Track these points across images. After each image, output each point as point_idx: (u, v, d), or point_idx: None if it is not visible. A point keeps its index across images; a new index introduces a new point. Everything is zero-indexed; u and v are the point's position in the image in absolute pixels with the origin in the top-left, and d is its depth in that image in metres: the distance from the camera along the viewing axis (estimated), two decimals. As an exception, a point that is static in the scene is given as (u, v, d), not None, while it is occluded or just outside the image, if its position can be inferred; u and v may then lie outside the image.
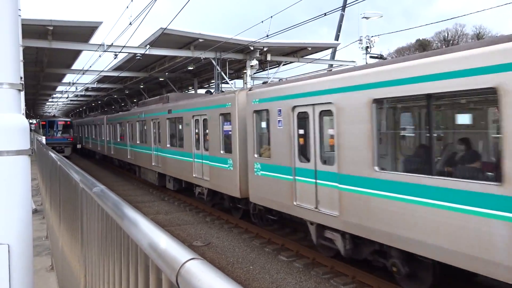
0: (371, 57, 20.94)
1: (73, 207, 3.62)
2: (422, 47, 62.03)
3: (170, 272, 1.17)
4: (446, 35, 67.86)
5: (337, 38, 41.26)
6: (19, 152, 2.41)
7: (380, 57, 21.16)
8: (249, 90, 11.64)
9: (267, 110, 10.68)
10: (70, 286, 3.90)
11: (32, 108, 66.77)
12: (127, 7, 16.62)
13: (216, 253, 10.56)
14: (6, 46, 2.50)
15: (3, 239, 2.36)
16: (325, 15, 14.01)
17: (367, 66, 7.96)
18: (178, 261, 1.14)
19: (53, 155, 6.23)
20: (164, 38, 20.96)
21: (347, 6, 17.47)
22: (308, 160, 9.32)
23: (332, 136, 8.62)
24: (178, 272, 1.11)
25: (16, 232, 2.42)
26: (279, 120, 10.14)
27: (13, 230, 2.40)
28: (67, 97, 53.51)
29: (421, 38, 69.28)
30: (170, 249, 1.26)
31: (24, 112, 12.74)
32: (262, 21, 17.82)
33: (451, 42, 64.07)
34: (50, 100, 60.53)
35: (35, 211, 10.36)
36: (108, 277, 2.18)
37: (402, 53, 62.62)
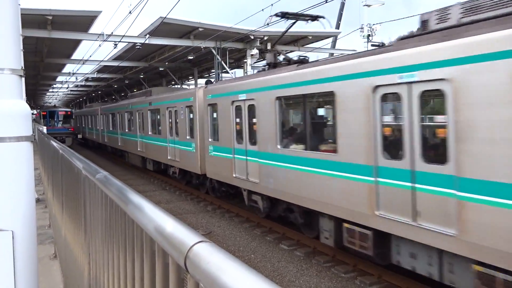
0: (372, 45, 20.79)
1: (76, 195, 3.61)
2: (424, 36, 61.55)
3: (178, 256, 1.15)
4: (448, 23, 67.35)
5: (337, 26, 41.00)
6: (21, 138, 2.39)
7: (382, 45, 21.00)
8: None
9: None
10: (74, 274, 3.91)
11: (33, 98, 66.65)
12: (127, -5, 16.47)
13: (217, 242, 10.60)
14: (7, 32, 2.48)
15: (7, 225, 2.35)
16: (326, 2, 13.89)
17: None
18: (186, 244, 1.13)
19: (55, 144, 6.22)
20: (163, 28, 20.82)
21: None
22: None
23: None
24: (187, 256, 1.09)
25: (20, 219, 2.41)
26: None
27: (17, 217, 2.39)
28: (67, 87, 53.40)
29: (422, 27, 68.78)
30: (177, 233, 1.25)
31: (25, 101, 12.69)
32: (262, 9, 17.71)
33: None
34: (50, 90, 60.42)
35: (37, 201, 10.38)
36: (113, 263, 2.18)
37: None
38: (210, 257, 1.00)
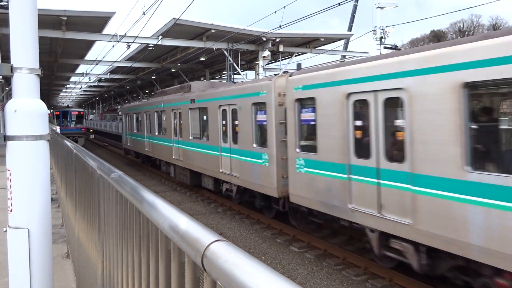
0: (385, 47, 20.67)
1: (89, 194, 3.64)
2: (437, 38, 61.16)
3: (195, 254, 1.15)
4: (462, 26, 66.79)
5: (350, 29, 40.87)
6: (38, 137, 2.41)
7: (395, 48, 20.88)
8: None
9: None
10: (87, 273, 3.94)
11: (46, 98, 67.48)
12: (140, -3, 16.60)
13: (228, 243, 10.61)
14: (26, 32, 2.51)
15: (23, 223, 2.38)
16: (339, 4, 13.86)
17: None
18: (202, 243, 1.13)
19: (68, 143, 6.29)
20: (176, 29, 20.96)
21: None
22: None
23: None
24: (203, 254, 1.09)
25: (36, 217, 2.43)
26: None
27: (33, 215, 2.42)
28: (80, 88, 53.97)
29: (435, 29, 68.31)
30: (193, 232, 1.25)
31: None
32: (275, 11, 17.71)
33: (466, 33, 63.02)
34: (64, 90, 61.13)
35: (51, 200, 10.49)
36: (127, 261, 2.19)
37: (416, 45, 61.74)
38: (228, 256, 1.00)
